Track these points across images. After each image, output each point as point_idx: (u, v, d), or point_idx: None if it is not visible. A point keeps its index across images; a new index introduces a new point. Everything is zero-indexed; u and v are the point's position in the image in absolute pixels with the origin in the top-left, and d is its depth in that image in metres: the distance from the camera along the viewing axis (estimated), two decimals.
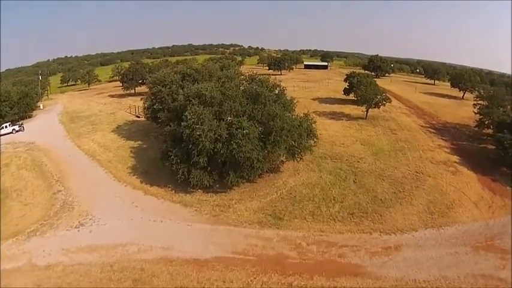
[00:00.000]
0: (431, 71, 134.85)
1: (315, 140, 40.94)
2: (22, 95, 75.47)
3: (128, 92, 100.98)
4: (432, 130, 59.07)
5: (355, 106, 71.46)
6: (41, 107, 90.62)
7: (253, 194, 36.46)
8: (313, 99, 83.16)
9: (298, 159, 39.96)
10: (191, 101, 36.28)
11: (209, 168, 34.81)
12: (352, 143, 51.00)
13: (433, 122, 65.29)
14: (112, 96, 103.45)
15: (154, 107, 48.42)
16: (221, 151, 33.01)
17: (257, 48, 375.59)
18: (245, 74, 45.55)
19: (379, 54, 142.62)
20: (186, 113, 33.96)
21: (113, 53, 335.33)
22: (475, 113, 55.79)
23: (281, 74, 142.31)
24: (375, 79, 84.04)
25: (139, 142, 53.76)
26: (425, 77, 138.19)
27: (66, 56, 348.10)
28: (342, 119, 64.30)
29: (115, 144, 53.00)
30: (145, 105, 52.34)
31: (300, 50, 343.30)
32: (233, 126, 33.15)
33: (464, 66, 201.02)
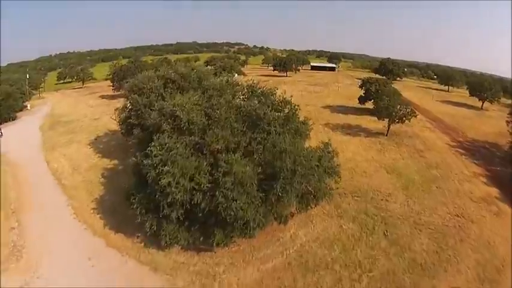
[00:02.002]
0: (445, 76, 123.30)
1: (337, 179, 29.23)
2: (5, 96, 70.46)
3: (119, 92, 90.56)
4: (461, 150, 49.77)
5: (373, 118, 60.76)
6: (28, 108, 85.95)
7: (250, 256, 25.67)
8: (323, 108, 72.09)
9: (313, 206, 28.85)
10: (161, 124, 25.43)
11: (187, 223, 23.99)
12: (375, 171, 40.34)
13: (460, 139, 56.18)
14: (103, 97, 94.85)
15: (129, 120, 37.74)
16: (201, 204, 22.18)
17: (262, 47, 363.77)
18: (242, 84, 33.80)
19: (383, 57, 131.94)
20: (151, 146, 23.17)
21: (116, 49, 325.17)
22: (510, 132, 48.27)
23: (287, 76, 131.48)
24: None
25: (115, 161, 43.95)
26: (439, 83, 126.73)
27: (68, 52, 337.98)
28: (360, 135, 53.41)
29: (87, 163, 44.06)
30: (121, 117, 41.48)
31: (306, 50, 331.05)
32: (220, 168, 22.11)
33: (474, 71, 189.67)
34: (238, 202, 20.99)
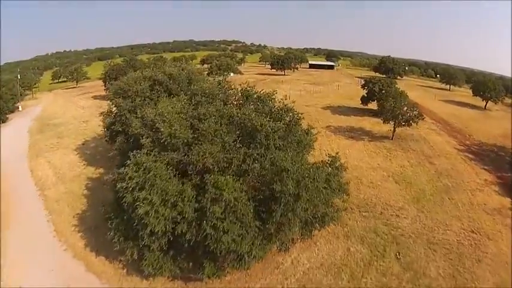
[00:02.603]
0: (447, 75, 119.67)
1: (345, 197, 25.09)
2: None
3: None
4: (470, 155, 46.52)
5: (376, 119, 57.47)
6: (20, 109, 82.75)
7: (245, 287, 22.22)
8: (323, 108, 68.46)
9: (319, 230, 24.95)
10: (140, 137, 21.76)
11: (172, 252, 20.42)
12: (383, 180, 36.90)
13: (467, 142, 52.99)
14: (95, 97, 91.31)
15: (113, 127, 34.15)
16: (186, 235, 18.50)
17: (259, 45, 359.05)
18: (236, 87, 28.96)
19: (381, 55, 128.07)
20: (126, 166, 19.57)
21: (112, 47, 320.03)
22: None
23: (285, 75, 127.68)
24: None
25: (100, 170, 40.35)
26: (440, 81, 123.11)
27: (64, 50, 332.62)
28: (363, 139, 49.87)
29: (71, 172, 40.54)
30: (106, 122, 37.81)
31: (304, 48, 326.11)
32: (207, 193, 18.22)
33: (472, 69, 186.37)
34: (230, 234, 17.38)
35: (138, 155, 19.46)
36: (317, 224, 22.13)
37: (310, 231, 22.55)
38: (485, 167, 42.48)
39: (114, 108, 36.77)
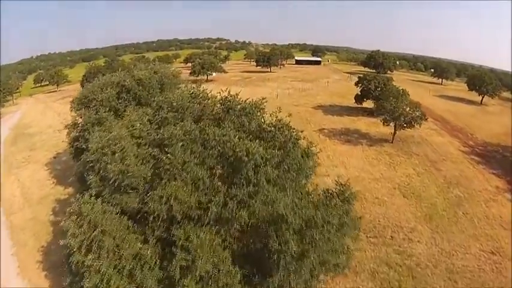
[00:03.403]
0: (439, 69, 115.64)
1: (358, 234, 19.66)
2: None
3: None
4: (476, 158, 43.05)
5: (372, 119, 52.66)
6: None
7: None
8: (314, 108, 63.24)
9: None
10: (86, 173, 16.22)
11: None
12: (389, 195, 32.16)
13: (471, 142, 49.19)
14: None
15: (76, 143, 28.51)
16: None
17: (244, 42, 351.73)
18: (213, 97, 22.45)
19: (366, 49, 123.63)
20: (67, 219, 14.11)
21: (97, 48, 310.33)
22: None
23: (271, 72, 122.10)
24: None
25: (69, 190, 35.59)
26: (432, 75, 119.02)
27: (49, 53, 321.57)
28: (361, 143, 44.89)
29: (40, 192, 36.67)
30: (71, 136, 31.84)
31: (289, 44, 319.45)
32: (175, 259, 12.68)
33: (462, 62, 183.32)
34: None
35: (83, 200, 13.97)
36: (326, 276, 16.80)
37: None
38: (494, 171, 39.04)
39: (80, 120, 31.09)
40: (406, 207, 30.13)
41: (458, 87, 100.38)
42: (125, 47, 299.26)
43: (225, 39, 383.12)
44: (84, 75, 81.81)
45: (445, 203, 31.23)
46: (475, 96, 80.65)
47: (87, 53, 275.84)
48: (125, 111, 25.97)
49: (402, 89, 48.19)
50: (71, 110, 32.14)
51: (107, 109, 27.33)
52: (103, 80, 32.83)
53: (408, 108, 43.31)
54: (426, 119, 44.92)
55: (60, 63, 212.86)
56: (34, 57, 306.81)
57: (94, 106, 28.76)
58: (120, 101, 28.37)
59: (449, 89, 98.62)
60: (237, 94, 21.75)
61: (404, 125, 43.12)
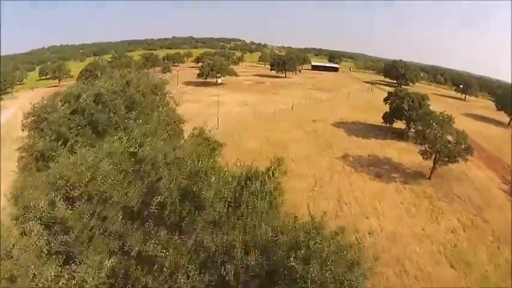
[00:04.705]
0: (463, 84, 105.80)
1: None
2: None
3: None
4: None
5: (403, 144, 43.87)
6: None
7: None
8: (335, 125, 54.39)
9: None
10: None
11: None
12: (434, 263, 23.39)
13: (509, 177, 39.89)
14: None
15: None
16: None
17: (259, 44, 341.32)
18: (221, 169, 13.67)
19: (381, 57, 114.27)
20: None
21: (110, 42, 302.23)
22: None
23: (286, 77, 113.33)
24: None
25: None
26: (456, 90, 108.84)
27: (61, 44, 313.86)
28: (395, 179, 35.98)
29: None
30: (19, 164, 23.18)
31: (304, 48, 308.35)
32: None
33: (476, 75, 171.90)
34: None
35: None
36: None
37: None
38: None
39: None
40: (455, 281, 21.52)
41: (480, 102, 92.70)
42: (138, 43, 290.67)
43: (240, 40, 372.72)
44: (80, 73, 73.23)
45: (498, 273, 22.82)
46: (501, 115, 73.81)
47: (99, 47, 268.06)
48: (76, 141, 17.53)
49: (447, 115, 38.72)
50: (22, 129, 23.09)
51: (53, 137, 18.74)
52: (79, 88, 23.83)
53: (452, 139, 34.45)
54: (472, 154, 35.87)
55: (71, 56, 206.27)
56: (45, 47, 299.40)
57: (42, 130, 20.20)
58: (72, 127, 19.60)
59: (473, 106, 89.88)
60: (257, 167, 13.03)
61: (447, 161, 34.15)
